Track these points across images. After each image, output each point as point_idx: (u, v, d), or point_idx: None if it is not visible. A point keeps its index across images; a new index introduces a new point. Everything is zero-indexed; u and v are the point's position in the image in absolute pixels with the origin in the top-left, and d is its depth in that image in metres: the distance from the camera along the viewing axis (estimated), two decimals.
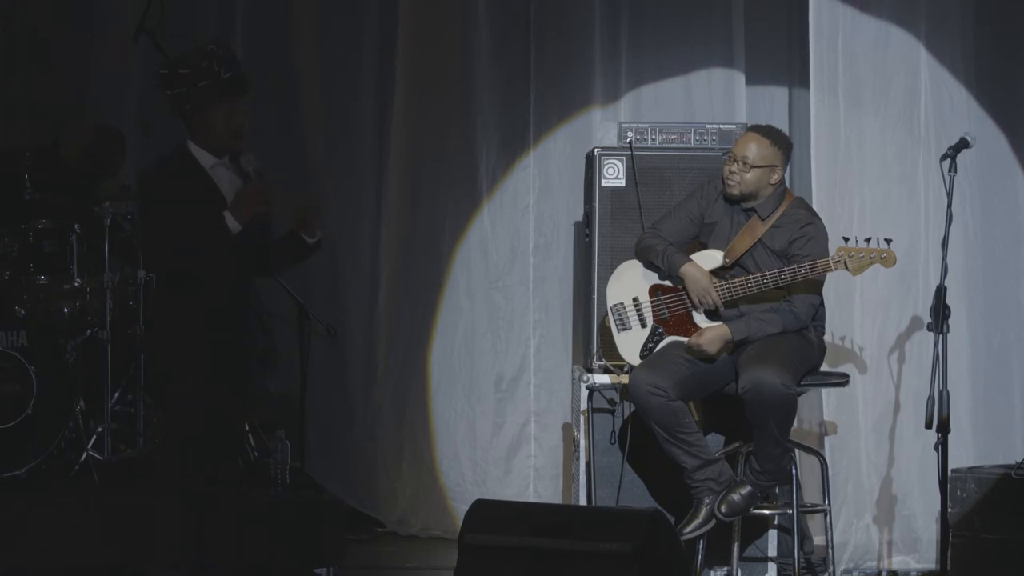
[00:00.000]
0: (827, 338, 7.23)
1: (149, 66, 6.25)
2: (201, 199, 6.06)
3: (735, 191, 7.03)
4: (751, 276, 6.95)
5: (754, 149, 7.01)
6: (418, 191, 8.69)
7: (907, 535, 7.75)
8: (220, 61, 6.09)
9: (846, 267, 6.89)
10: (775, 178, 7.04)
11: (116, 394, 8.20)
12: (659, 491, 7.36)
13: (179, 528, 6.05)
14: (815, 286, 7.00)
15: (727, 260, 7.05)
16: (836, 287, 7.57)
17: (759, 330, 6.93)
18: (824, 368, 7.21)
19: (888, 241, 6.89)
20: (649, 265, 7.14)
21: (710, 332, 6.96)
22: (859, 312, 7.78)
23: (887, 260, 6.92)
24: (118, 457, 8.04)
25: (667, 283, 7.11)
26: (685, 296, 7.06)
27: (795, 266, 6.89)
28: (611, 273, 7.30)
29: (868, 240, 6.89)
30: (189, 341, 6.05)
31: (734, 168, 7.02)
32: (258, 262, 6.24)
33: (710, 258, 7.06)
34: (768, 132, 7.10)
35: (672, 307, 7.08)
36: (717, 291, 6.98)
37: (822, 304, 7.09)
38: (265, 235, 6.23)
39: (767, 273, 6.93)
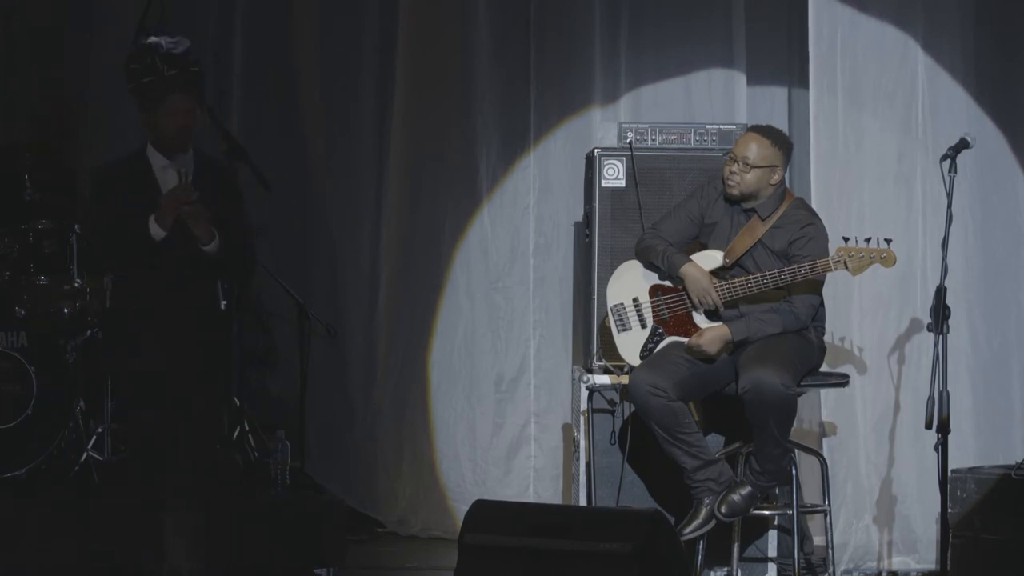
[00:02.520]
0: (827, 338, 7.23)
1: None
2: (136, 201, 5.98)
3: (735, 191, 7.03)
4: (751, 276, 6.95)
5: (754, 149, 7.01)
6: (418, 191, 8.69)
7: (907, 535, 7.75)
8: (164, 57, 5.95)
9: (846, 267, 6.89)
10: (775, 178, 7.04)
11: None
12: (659, 491, 7.36)
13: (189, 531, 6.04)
14: (815, 286, 7.00)
15: (727, 260, 7.05)
16: (836, 287, 7.57)
17: (759, 330, 6.93)
18: (824, 368, 7.21)
19: (888, 241, 6.89)
20: (649, 265, 7.14)
21: (710, 332, 6.96)
22: (858, 313, 7.79)
23: (887, 260, 6.92)
24: (118, 457, 8.03)
25: (667, 283, 7.11)
26: (685, 296, 7.06)
27: (795, 266, 6.89)
28: (611, 273, 7.30)
29: (868, 240, 6.90)
30: (128, 343, 6.00)
31: (734, 168, 7.02)
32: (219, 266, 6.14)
33: (710, 258, 7.06)
34: (768, 132, 7.10)
35: (672, 307, 7.08)
36: (717, 291, 6.98)
37: (822, 304, 7.09)
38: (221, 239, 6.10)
39: (767, 273, 6.93)
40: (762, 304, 6.98)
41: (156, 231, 5.95)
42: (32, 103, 8.86)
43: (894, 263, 6.95)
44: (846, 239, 6.88)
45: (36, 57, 9.05)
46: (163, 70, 5.97)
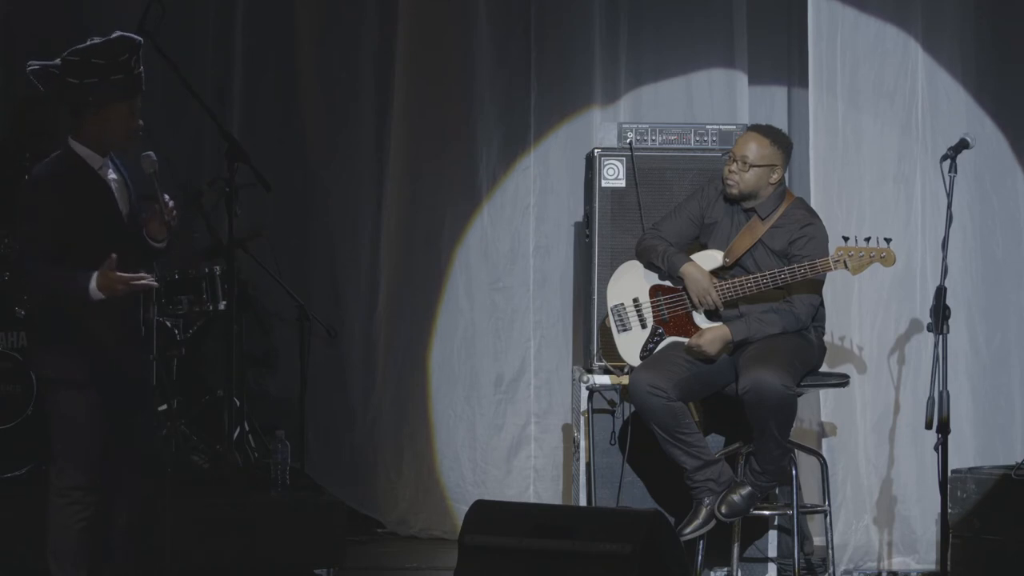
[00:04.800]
0: (827, 338, 7.23)
1: (148, 68, 6.15)
2: (93, 203, 5.86)
3: (735, 191, 7.03)
4: (751, 276, 6.95)
5: (754, 148, 7.01)
6: (418, 191, 8.68)
7: (907, 536, 7.75)
8: (139, 58, 5.85)
9: (846, 266, 6.89)
10: (775, 178, 7.04)
11: None
12: (659, 491, 7.36)
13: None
14: (815, 286, 7.00)
15: (727, 260, 7.05)
16: (835, 287, 7.57)
17: (759, 331, 6.93)
18: (824, 369, 7.21)
19: (888, 240, 6.89)
20: (649, 266, 7.14)
21: (710, 333, 6.96)
22: (858, 313, 7.79)
23: (887, 259, 6.92)
24: None
25: (667, 283, 7.11)
26: (685, 296, 7.06)
27: (795, 266, 6.90)
28: (611, 274, 7.30)
29: (868, 239, 6.90)
30: (63, 345, 5.91)
31: (734, 168, 7.02)
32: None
33: (710, 258, 7.06)
34: (768, 132, 7.10)
35: (672, 307, 7.08)
36: (717, 291, 6.98)
37: (822, 304, 7.09)
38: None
39: (767, 273, 6.93)
40: (762, 304, 6.98)
41: (96, 293, 5.79)
42: (31, 103, 8.83)
43: (894, 262, 6.95)
44: (846, 238, 6.88)
45: (36, 57, 9.02)
46: (134, 68, 5.88)
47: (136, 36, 5.97)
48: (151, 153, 5.99)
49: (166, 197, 5.94)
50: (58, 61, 5.93)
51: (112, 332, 5.94)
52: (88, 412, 5.88)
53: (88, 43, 5.95)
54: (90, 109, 5.88)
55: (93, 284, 5.78)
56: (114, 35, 5.96)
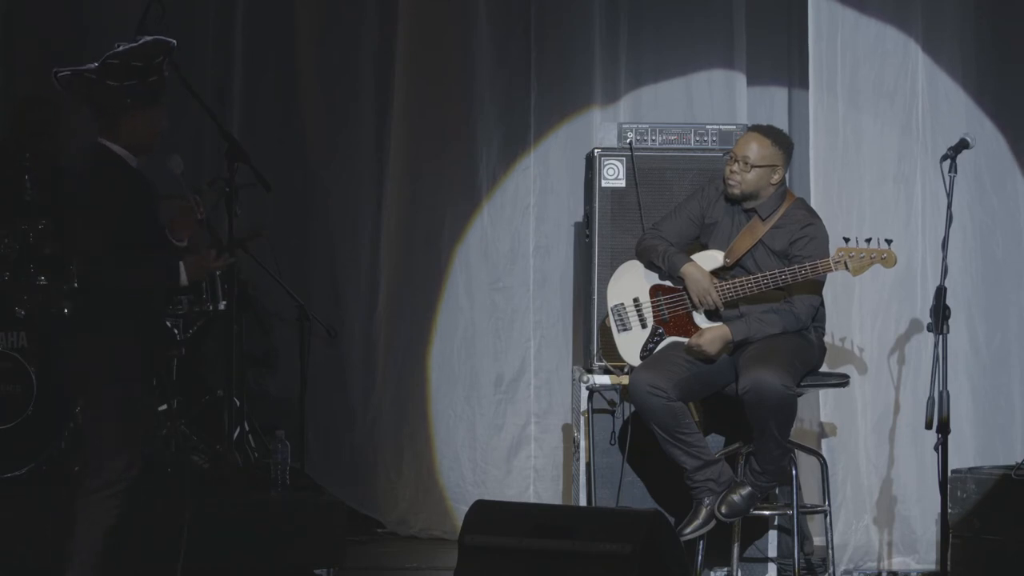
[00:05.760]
0: (827, 339, 7.23)
1: None
2: (143, 201, 5.90)
3: (736, 191, 7.04)
4: (751, 276, 6.95)
5: (755, 149, 7.02)
6: (418, 191, 8.69)
7: (907, 536, 7.75)
8: (170, 61, 5.91)
9: (846, 267, 6.89)
10: (776, 178, 7.04)
11: None
12: (659, 492, 7.36)
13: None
14: (815, 287, 7.00)
15: (727, 260, 7.05)
16: (836, 288, 7.57)
17: (759, 331, 6.93)
18: (824, 369, 7.21)
19: (888, 241, 6.90)
20: (650, 265, 7.14)
21: (710, 333, 6.96)
22: (859, 313, 7.79)
23: (887, 260, 6.92)
24: None
25: (667, 283, 7.11)
26: (685, 296, 7.06)
27: (795, 266, 6.90)
28: (611, 274, 7.30)
29: (868, 240, 6.90)
30: (123, 342, 5.94)
31: (735, 168, 7.03)
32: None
33: (710, 258, 7.07)
34: (769, 132, 7.11)
35: (672, 307, 7.08)
36: (717, 291, 6.98)
37: (822, 305, 7.09)
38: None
39: (767, 273, 6.93)
40: (762, 304, 6.98)
41: (184, 279, 5.91)
42: (31, 103, 8.84)
43: (895, 263, 6.95)
44: (847, 239, 6.88)
45: (35, 58, 9.03)
46: (165, 70, 5.92)
47: (170, 39, 5.97)
48: (176, 155, 6.03)
49: (197, 197, 5.98)
50: (94, 65, 5.91)
51: (154, 326, 5.99)
52: (133, 408, 5.91)
53: (123, 47, 5.95)
54: (127, 112, 5.90)
55: (183, 269, 5.90)
56: (147, 38, 5.97)
